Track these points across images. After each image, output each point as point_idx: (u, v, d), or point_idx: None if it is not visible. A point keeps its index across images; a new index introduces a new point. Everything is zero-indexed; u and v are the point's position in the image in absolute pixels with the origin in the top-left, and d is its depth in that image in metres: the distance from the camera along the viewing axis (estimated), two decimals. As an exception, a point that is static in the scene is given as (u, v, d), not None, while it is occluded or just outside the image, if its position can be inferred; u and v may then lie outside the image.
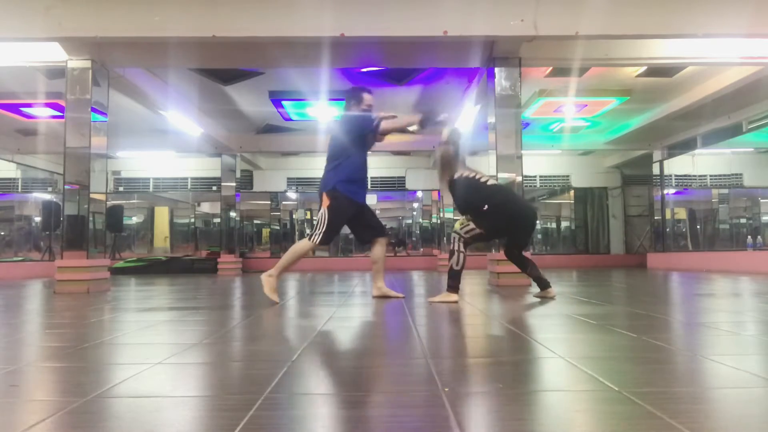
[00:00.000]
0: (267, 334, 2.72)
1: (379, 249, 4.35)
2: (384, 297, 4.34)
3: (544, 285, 4.23)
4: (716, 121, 10.03)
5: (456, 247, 4.13)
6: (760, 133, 10.01)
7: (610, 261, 14.22)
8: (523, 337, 2.42)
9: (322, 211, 4.10)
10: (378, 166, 14.49)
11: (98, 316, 3.48)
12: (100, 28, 5.47)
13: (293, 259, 4.11)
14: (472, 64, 6.49)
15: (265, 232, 15.57)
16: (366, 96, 4.36)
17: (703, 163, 12.48)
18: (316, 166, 14.04)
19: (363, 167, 4.28)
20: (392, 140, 4.03)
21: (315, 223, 4.08)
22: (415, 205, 16.04)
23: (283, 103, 9.31)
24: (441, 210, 12.72)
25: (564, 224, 16.02)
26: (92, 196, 5.93)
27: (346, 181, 4.13)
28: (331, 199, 4.09)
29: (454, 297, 4.03)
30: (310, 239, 4.10)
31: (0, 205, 14.32)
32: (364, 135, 4.23)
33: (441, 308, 3.78)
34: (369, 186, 4.53)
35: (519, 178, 6.04)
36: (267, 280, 4.07)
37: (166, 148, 12.61)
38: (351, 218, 4.27)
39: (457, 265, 4.10)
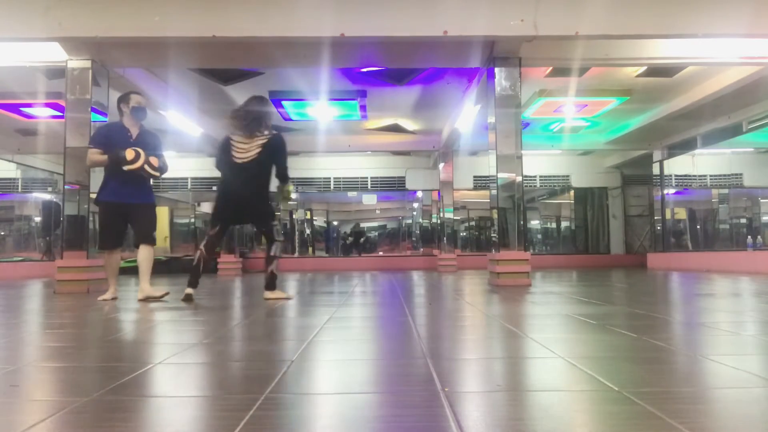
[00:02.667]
0: (267, 334, 2.72)
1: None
2: (148, 299, 4.50)
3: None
4: (716, 121, 10.03)
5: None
6: (760, 133, 10.00)
7: (610, 261, 14.21)
8: (522, 337, 2.42)
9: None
10: (378, 166, 14.49)
11: (98, 316, 3.48)
12: (100, 28, 5.47)
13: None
14: (472, 64, 6.49)
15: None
16: (132, 96, 4.66)
17: (703, 163, 12.47)
18: (316, 166, 14.08)
19: None
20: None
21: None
22: (415, 205, 16.03)
23: (283, 103, 9.30)
24: (441, 210, 12.70)
25: (564, 224, 16.02)
26: (92, 196, 5.93)
27: None
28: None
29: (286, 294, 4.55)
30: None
31: (0, 205, 14.31)
32: None
33: (441, 308, 3.78)
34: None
35: (519, 178, 6.03)
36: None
37: (166, 148, 12.56)
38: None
39: (277, 270, 4.46)
